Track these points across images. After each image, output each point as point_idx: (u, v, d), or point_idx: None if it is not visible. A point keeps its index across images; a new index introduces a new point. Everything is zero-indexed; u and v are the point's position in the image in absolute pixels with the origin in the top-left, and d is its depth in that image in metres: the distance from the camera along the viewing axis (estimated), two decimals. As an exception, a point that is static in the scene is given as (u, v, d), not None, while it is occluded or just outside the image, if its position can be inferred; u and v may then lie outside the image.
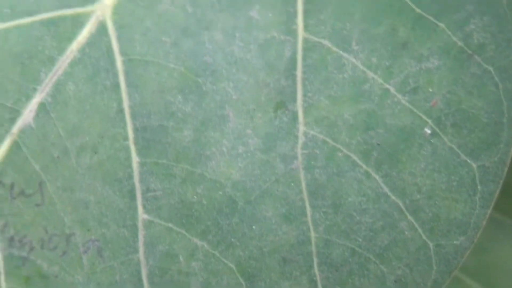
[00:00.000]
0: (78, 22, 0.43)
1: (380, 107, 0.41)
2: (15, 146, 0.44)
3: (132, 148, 0.43)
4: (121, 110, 0.43)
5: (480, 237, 0.66)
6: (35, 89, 0.44)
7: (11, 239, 0.44)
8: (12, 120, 0.44)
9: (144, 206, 0.43)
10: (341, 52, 0.42)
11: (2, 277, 0.44)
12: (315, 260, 0.41)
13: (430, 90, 0.41)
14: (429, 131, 0.41)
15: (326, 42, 0.42)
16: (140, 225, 0.43)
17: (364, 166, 0.41)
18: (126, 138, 0.43)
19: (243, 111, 0.42)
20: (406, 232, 0.41)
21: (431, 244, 0.41)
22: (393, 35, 0.42)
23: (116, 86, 0.43)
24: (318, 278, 0.41)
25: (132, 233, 0.43)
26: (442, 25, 0.42)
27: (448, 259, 0.40)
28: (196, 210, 0.43)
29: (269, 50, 0.42)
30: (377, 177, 0.41)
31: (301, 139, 0.42)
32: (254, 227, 0.42)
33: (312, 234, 0.41)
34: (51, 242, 0.44)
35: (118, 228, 0.43)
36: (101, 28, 0.43)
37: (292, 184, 0.42)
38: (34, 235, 0.44)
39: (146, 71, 0.43)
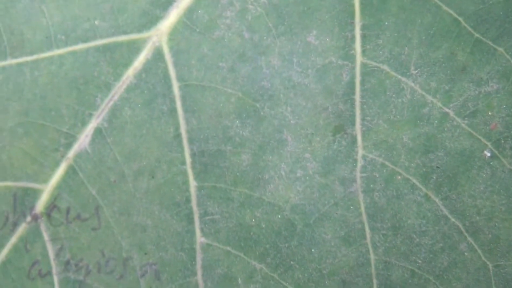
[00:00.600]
0: (134, 48, 0.44)
1: (440, 130, 0.42)
2: (71, 171, 0.45)
3: (190, 172, 0.44)
4: (178, 135, 0.44)
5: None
6: (91, 114, 0.44)
7: (67, 263, 0.45)
8: (68, 145, 0.44)
9: (202, 230, 0.44)
10: (399, 76, 0.42)
11: (58, 301, 0.44)
12: (375, 282, 0.42)
13: (490, 113, 0.42)
14: (488, 154, 0.42)
15: (385, 67, 0.43)
16: (198, 248, 0.44)
17: (423, 189, 0.42)
18: (183, 163, 0.44)
19: (301, 135, 0.43)
20: (465, 254, 0.41)
21: (490, 265, 0.41)
22: (452, 59, 0.42)
23: (173, 111, 0.44)
24: (378, 300, 0.41)
25: (190, 256, 0.44)
26: (501, 49, 0.42)
27: (508, 280, 0.41)
28: (255, 233, 0.43)
29: (327, 74, 0.43)
30: (436, 199, 0.41)
31: (360, 163, 0.42)
32: (313, 250, 0.43)
33: (372, 256, 0.42)
34: (108, 266, 0.44)
35: (176, 251, 0.44)
36: (157, 54, 0.44)
37: (351, 207, 0.42)
38: (90, 259, 0.45)
39: (203, 96, 0.43)
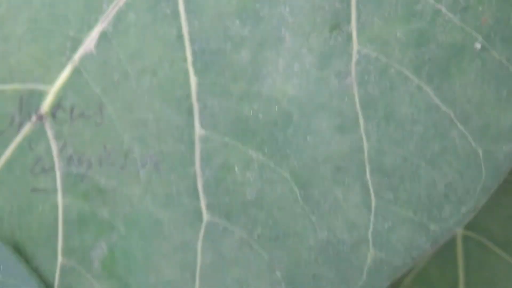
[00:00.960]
0: (137, -42, 0.43)
1: (432, 25, 0.41)
2: (76, 72, 0.44)
3: (191, 69, 0.43)
4: (180, 36, 0.43)
5: (510, 210, 0.66)
6: (96, 19, 0.43)
7: (70, 158, 0.44)
8: (74, 48, 0.44)
9: (201, 123, 0.42)
10: (393, -24, 0.41)
11: (59, 193, 0.43)
12: (368, 168, 0.41)
13: (480, 8, 0.41)
14: (479, 46, 0.41)
15: (379, -31, 0.42)
16: (197, 140, 0.42)
17: (416, 80, 0.40)
18: (185, 61, 0.43)
19: (298, 33, 0.42)
20: (456, 140, 0.40)
21: (480, 151, 0.40)
22: (444, -41, 0.41)
23: (176, 13, 0.42)
24: (370, 184, 0.40)
25: (189, 148, 0.43)
26: None
27: (497, 164, 0.40)
28: (252, 124, 0.42)
29: (324, -23, 0.42)
30: (428, 89, 0.40)
31: (355, 57, 0.41)
32: (308, 138, 0.41)
33: (365, 144, 0.41)
34: (110, 159, 0.43)
35: (176, 143, 0.43)
36: (160, -36, 0.43)
37: (346, 98, 0.41)
38: (93, 153, 0.44)
39: None
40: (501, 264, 0.67)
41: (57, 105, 0.44)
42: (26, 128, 0.44)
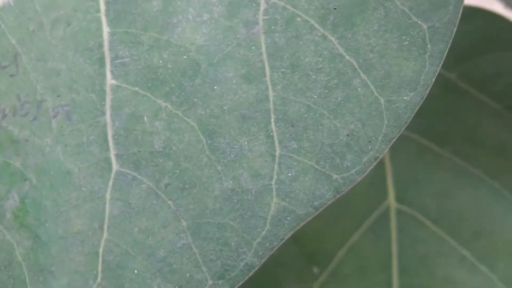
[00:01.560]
0: None
1: (338, -26, 0.40)
2: (-6, 24, 0.42)
3: (103, 19, 0.41)
4: (93, -16, 0.41)
5: (443, 184, 0.65)
6: (14, -28, 0.41)
7: (-15, 110, 0.42)
8: (-8, 0, 0.41)
9: (112, 72, 0.41)
10: None
11: (-25, 146, 0.42)
12: (273, 117, 0.39)
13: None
14: (382, -5, 0.39)
15: None
16: (108, 90, 0.41)
17: (321, 30, 0.39)
18: (98, 11, 0.41)
19: (208, -19, 0.40)
20: (359, 89, 0.39)
21: (382, 100, 0.38)
22: None
23: (89, -37, 0.41)
24: (275, 134, 0.39)
25: (100, 97, 0.41)
26: None
27: (399, 114, 0.38)
28: (161, 73, 0.41)
29: None
30: (333, 39, 0.39)
31: (262, 6, 0.40)
32: (215, 87, 0.40)
33: (270, 93, 0.39)
34: (23, 109, 0.41)
35: (87, 93, 0.41)
36: None
37: (253, 48, 0.39)
38: (7, 103, 0.42)
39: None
40: (434, 239, 0.66)
41: (-26, 57, 0.42)
42: None
